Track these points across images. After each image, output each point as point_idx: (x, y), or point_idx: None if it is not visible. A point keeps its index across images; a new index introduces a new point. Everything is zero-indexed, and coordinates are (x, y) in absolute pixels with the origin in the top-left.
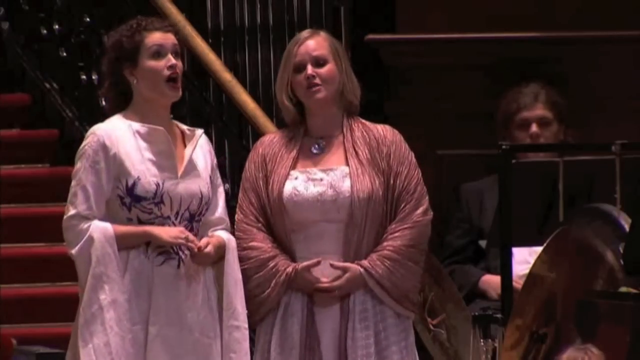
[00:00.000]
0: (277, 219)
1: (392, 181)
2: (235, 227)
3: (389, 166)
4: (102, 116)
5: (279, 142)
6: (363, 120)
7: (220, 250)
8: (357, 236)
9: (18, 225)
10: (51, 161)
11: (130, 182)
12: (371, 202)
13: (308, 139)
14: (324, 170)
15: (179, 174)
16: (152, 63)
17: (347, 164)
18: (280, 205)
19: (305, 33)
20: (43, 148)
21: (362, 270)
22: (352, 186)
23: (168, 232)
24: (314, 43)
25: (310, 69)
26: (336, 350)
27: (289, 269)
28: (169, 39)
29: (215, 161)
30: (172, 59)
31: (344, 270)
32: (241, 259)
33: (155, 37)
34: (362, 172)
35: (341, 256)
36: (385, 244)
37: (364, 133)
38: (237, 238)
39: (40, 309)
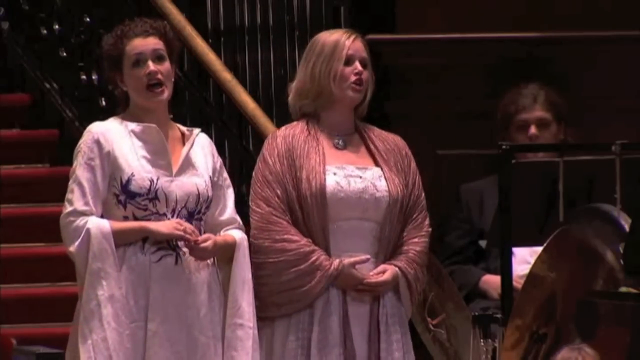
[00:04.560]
0: (314, 214)
1: (409, 190)
2: (256, 217)
3: (408, 175)
4: (102, 116)
5: (300, 135)
6: (370, 125)
7: (227, 249)
8: (387, 235)
9: (18, 225)
10: (51, 161)
11: (124, 179)
12: (402, 205)
13: (325, 134)
14: (359, 169)
15: (174, 171)
16: (133, 72)
17: (377, 166)
18: (323, 199)
19: (347, 32)
20: (43, 148)
21: (397, 270)
22: (388, 187)
23: (165, 225)
24: (361, 44)
25: (359, 66)
26: (366, 349)
27: (336, 264)
28: (148, 44)
29: (219, 163)
30: (150, 66)
31: (383, 270)
32: (274, 251)
33: (135, 45)
34: (394, 176)
35: (371, 254)
36: (406, 247)
37: (381, 139)
38: (265, 230)
39: (40, 309)
